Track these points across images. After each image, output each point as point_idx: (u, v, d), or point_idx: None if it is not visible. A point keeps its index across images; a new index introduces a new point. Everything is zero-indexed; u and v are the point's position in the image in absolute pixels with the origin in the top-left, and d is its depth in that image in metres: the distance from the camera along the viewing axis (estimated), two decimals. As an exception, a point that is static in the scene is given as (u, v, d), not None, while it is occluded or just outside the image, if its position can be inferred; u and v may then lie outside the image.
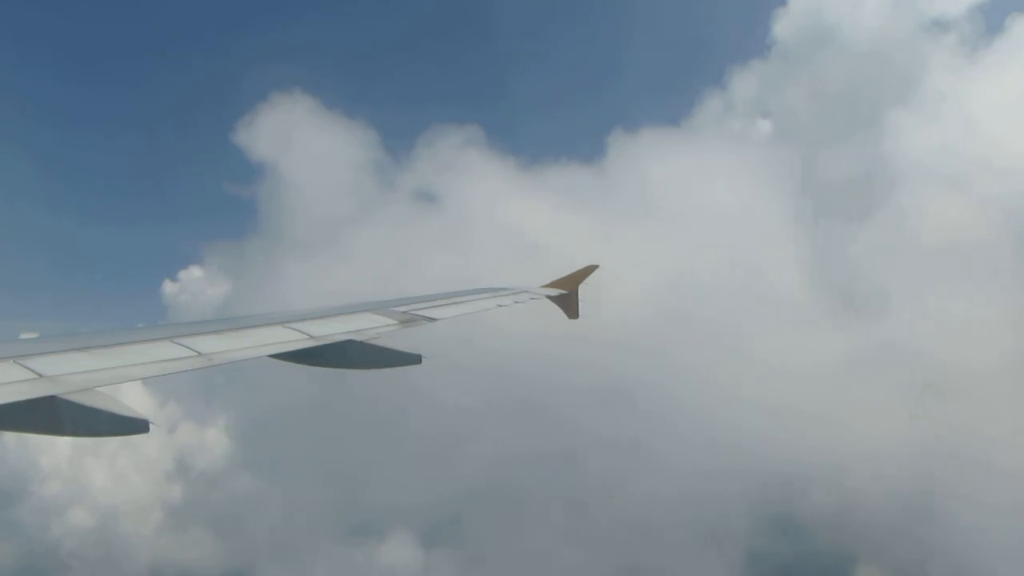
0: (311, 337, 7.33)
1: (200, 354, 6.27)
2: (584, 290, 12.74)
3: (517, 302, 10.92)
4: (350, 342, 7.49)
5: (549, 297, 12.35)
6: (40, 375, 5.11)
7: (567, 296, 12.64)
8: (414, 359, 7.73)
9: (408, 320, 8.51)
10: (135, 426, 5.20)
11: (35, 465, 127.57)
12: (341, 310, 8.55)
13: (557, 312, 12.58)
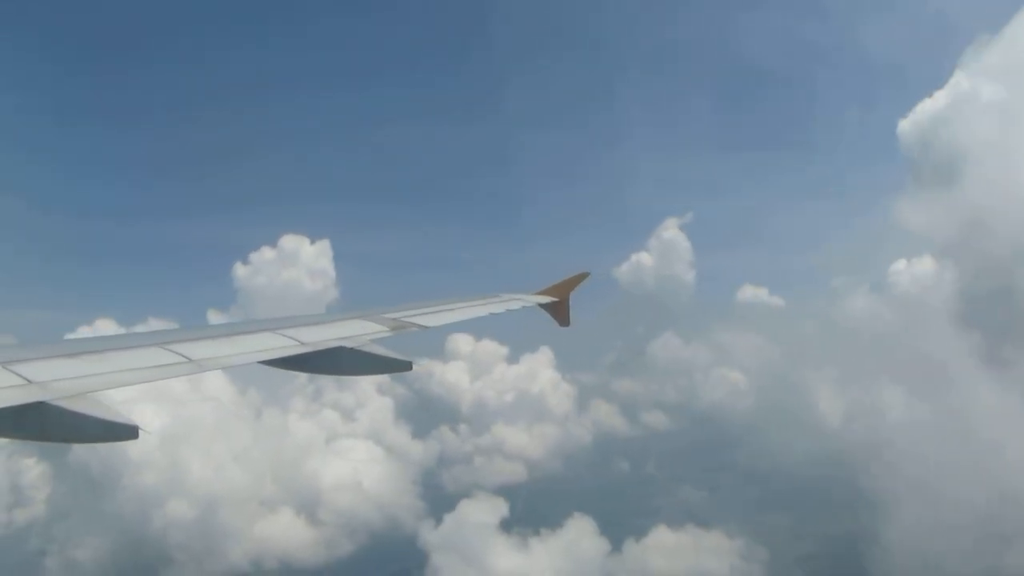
0: (302, 343, 7.29)
1: (191, 360, 6.21)
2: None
3: (508, 309, 10.91)
4: (340, 348, 7.46)
5: (540, 305, 12.34)
6: (29, 381, 5.05)
7: (558, 304, 12.63)
8: (405, 366, 7.71)
9: (399, 327, 8.47)
10: (124, 432, 5.16)
11: (125, 457, 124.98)
12: (332, 317, 8.51)
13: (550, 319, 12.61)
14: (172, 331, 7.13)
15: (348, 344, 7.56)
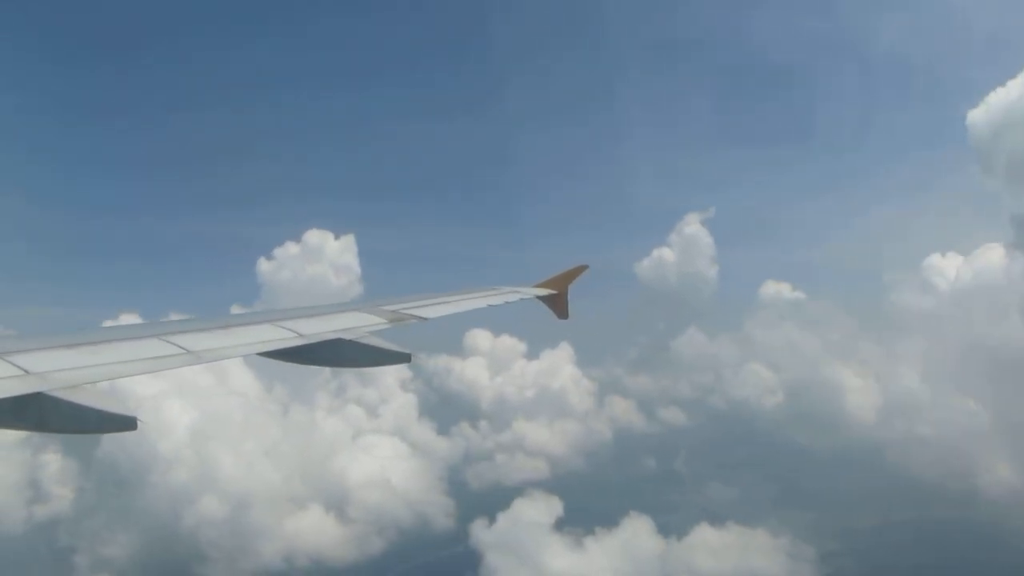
0: (300, 335, 7.36)
1: (189, 352, 6.29)
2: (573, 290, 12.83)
3: (507, 301, 10.97)
4: (339, 340, 7.52)
5: (539, 297, 12.39)
6: (27, 372, 5.13)
7: (557, 296, 12.67)
8: (404, 357, 7.78)
9: (398, 319, 8.55)
10: (123, 423, 5.21)
11: (154, 452, 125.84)
12: (330, 308, 8.60)
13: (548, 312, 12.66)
14: (171, 322, 7.21)
15: (347, 336, 7.62)
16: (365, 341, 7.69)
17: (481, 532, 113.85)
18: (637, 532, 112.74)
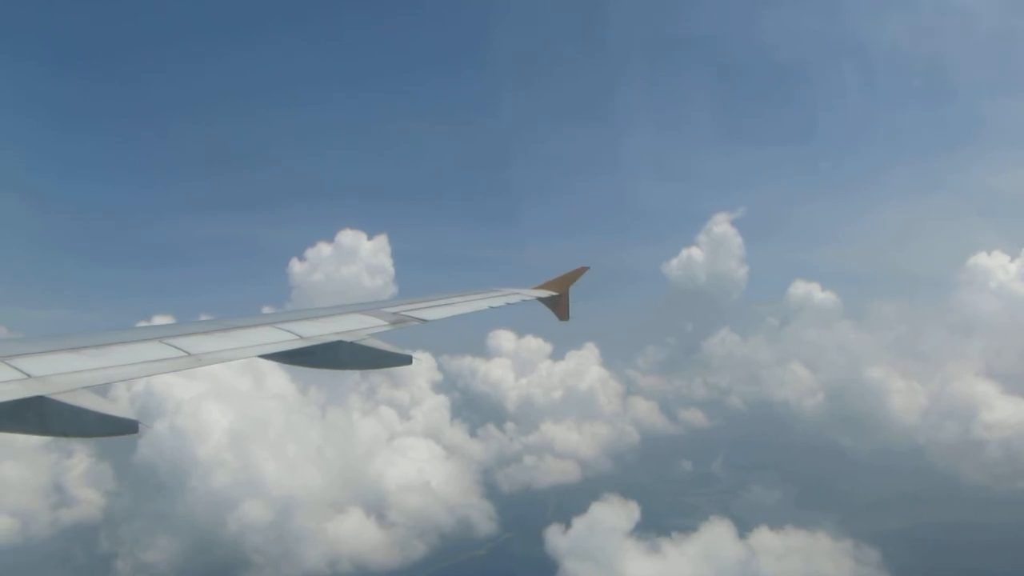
0: (301, 338, 7.36)
1: (189, 355, 6.29)
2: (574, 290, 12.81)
3: (508, 303, 10.96)
4: (340, 343, 7.52)
5: (540, 299, 12.39)
6: (29, 375, 5.12)
7: (558, 298, 12.67)
8: (405, 360, 7.77)
9: (398, 321, 8.54)
10: (124, 426, 5.20)
11: (192, 456, 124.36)
12: (331, 311, 8.58)
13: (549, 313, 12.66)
14: (172, 325, 7.20)
15: (347, 339, 7.63)
16: (365, 343, 7.68)
17: (557, 538, 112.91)
18: (714, 536, 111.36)
